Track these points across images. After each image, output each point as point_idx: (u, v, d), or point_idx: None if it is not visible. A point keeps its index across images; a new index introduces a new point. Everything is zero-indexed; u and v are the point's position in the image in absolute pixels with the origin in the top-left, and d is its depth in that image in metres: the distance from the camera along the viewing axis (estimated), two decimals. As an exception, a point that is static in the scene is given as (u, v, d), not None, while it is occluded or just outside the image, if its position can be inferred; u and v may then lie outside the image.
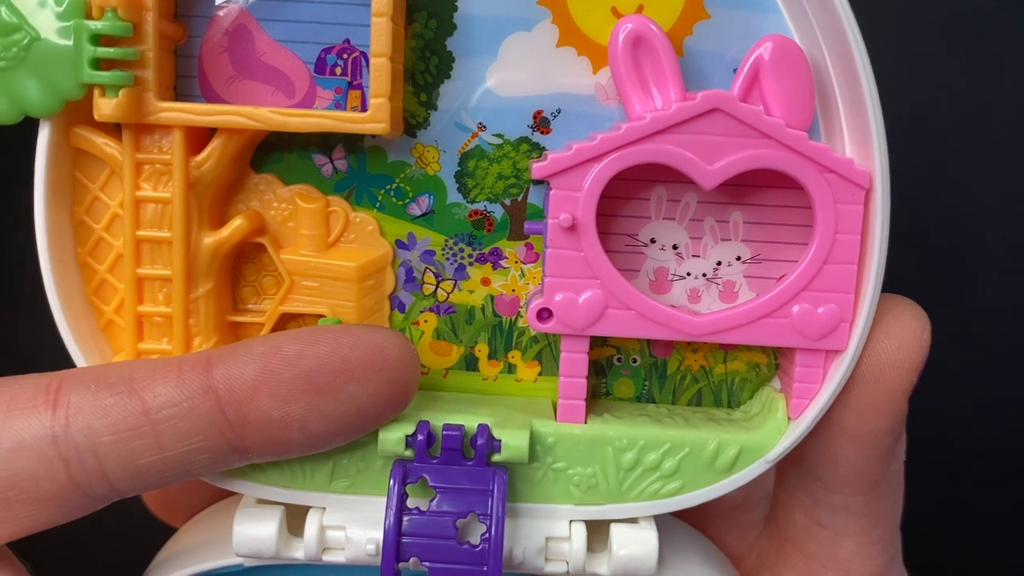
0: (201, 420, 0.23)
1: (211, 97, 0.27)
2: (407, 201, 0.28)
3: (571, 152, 0.25)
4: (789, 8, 0.26)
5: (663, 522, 0.30)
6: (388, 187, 0.28)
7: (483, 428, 0.26)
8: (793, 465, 0.30)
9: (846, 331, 0.26)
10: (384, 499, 0.26)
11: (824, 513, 0.30)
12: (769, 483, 0.35)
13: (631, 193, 0.28)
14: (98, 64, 0.24)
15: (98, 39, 0.24)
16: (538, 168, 0.25)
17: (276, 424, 0.23)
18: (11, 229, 0.48)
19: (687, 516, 0.33)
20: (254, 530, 0.26)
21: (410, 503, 0.25)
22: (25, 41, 0.24)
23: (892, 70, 0.48)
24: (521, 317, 0.29)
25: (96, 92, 0.24)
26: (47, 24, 0.24)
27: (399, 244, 0.28)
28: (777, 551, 0.32)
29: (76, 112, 0.26)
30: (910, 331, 0.26)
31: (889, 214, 0.25)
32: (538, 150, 0.27)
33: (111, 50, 0.24)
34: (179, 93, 0.27)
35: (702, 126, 0.25)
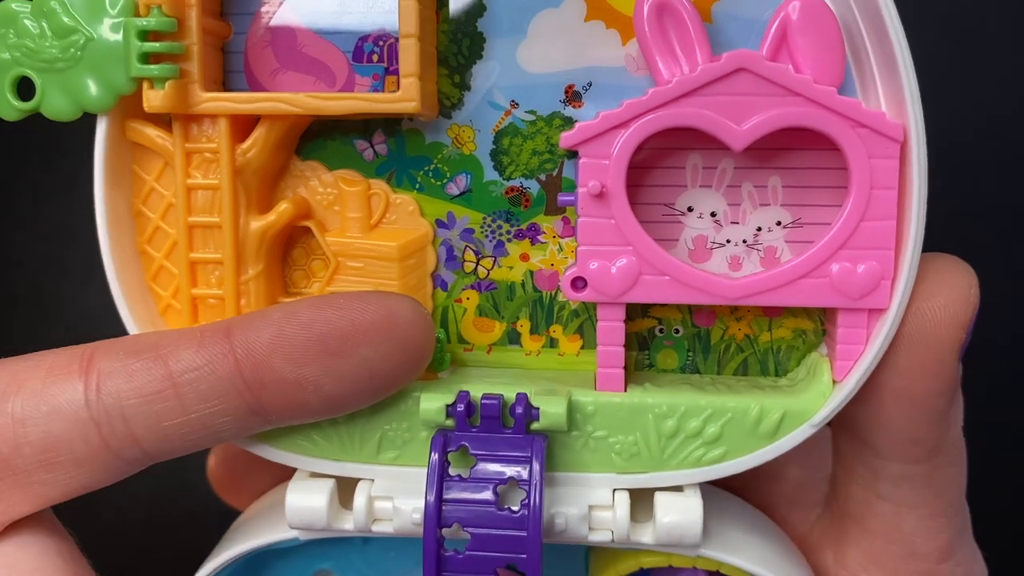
0: (221, 383, 0.24)
1: (257, 90, 0.28)
2: (445, 181, 0.29)
3: (598, 120, 0.26)
4: (817, -33, 0.26)
5: (712, 495, 0.30)
6: (426, 168, 0.29)
7: (521, 397, 0.26)
8: (848, 436, 0.29)
9: (887, 289, 0.25)
10: (429, 470, 0.27)
11: (884, 485, 0.29)
12: (830, 462, 0.34)
13: (666, 162, 0.28)
14: (146, 58, 0.26)
15: (145, 35, 0.25)
16: (566, 137, 0.26)
17: (291, 386, 0.24)
18: (9, 230, 0.49)
19: (749, 497, 0.33)
20: (307, 502, 0.27)
21: (451, 471, 0.26)
22: (81, 42, 0.26)
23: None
24: (561, 291, 0.29)
25: (145, 85, 0.26)
26: (101, 24, 0.26)
27: (439, 223, 0.29)
28: (839, 528, 0.31)
29: (131, 107, 0.27)
30: (957, 288, 0.26)
31: (927, 168, 0.25)
32: (571, 124, 0.28)
33: (157, 44, 0.25)
34: (227, 88, 0.28)
35: (728, 87, 0.25)
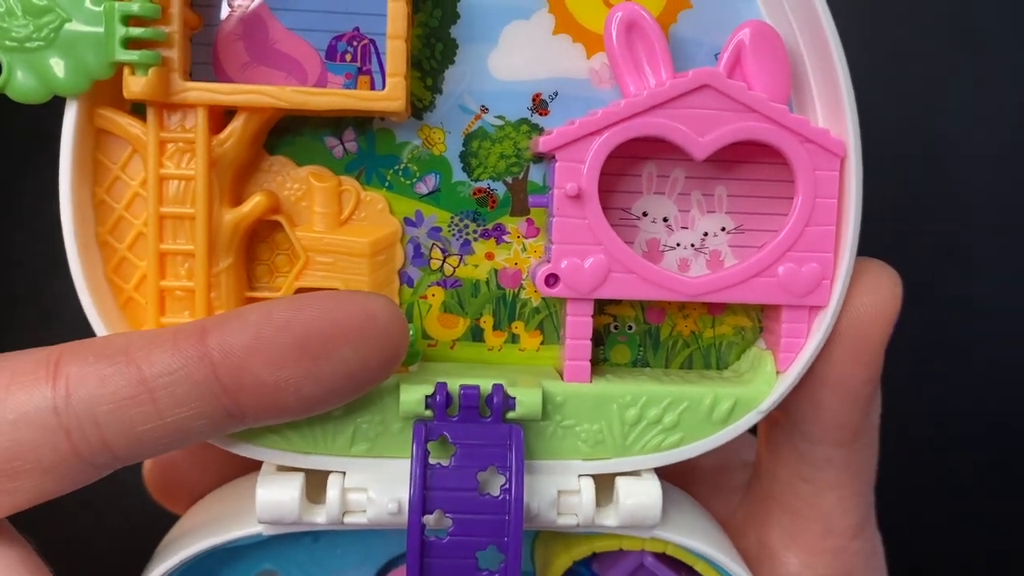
0: (197, 387, 0.23)
1: (225, 82, 0.28)
2: (414, 180, 0.30)
3: (576, 126, 0.27)
4: (767, 2, 0.29)
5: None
6: (396, 167, 0.29)
7: (498, 388, 0.27)
8: (778, 423, 0.32)
9: (827, 288, 0.28)
10: (404, 461, 0.27)
11: (807, 468, 0.32)
12: (747, 451, 0.37)
13: (624, 170, 0.30)
14: (128, 44, 0.25)
15: (128, 19, 0.25)
16: (545, 140, 0.27)
17: (270, 388, 0.24)
18: (9, 229, 0.47)
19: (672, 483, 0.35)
20: (277, 495, 0.27)
21: (431, 459, 0.27)
22: (55, 23, 0.25)
23: (891, 69, 0.50)
24: (524, 289, 0.30)
25: (126, 71, 0.25)
26: (79, 6, 0.25)
27: (407, 221, 0.30)
28: (763, 511, 0.34)
29: (98, 95, 0.27)
30: (886, 288, 0.29)
31: (862, 180, 0.28)
32: (537, 130, 0.29)
33: (142, 30, 0.25)
34: (194, 79, 0.28)
35: (693, 101, 0.27)
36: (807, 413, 0.30)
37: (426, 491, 0.26)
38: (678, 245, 0.30)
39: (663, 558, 0.31)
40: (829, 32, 0.27)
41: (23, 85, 0.25)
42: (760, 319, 0.31)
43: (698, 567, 0.31)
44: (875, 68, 0.50)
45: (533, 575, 0.33)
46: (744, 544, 0.34)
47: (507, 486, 0.26)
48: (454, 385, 0.27)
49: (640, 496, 0.28)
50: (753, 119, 0.28)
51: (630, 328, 0.31)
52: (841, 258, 0.28)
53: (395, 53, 0.27)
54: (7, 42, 0.25)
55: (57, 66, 0.25)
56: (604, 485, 0.29)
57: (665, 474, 0.35)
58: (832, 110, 0.28)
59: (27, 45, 0.25)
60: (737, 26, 0.28)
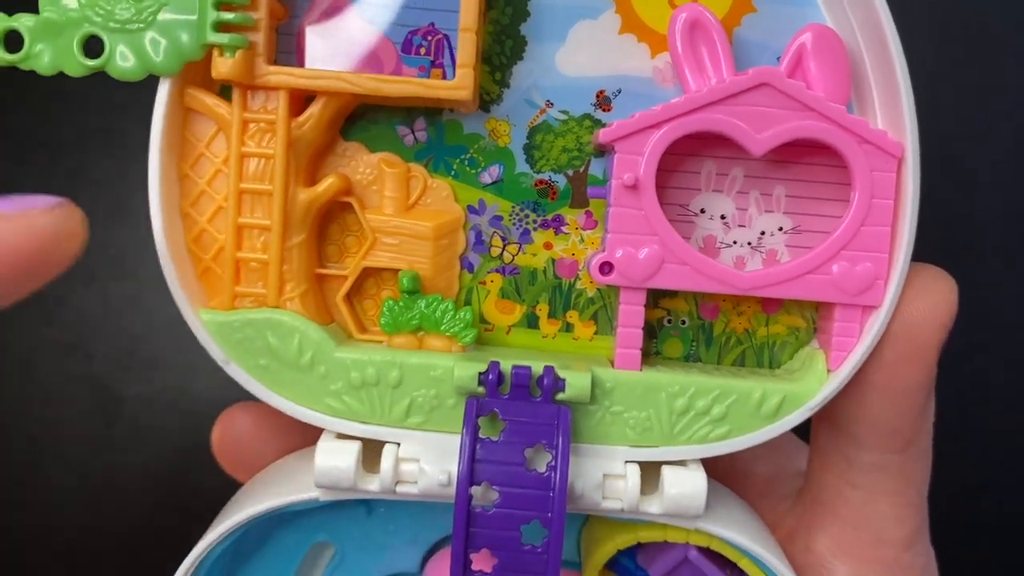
0: None
1: (307, 71, 0.30)
2: (479, 170, 0.31)
3: (634, 119, 0.28)
4: (829, 6, 0.30)
5: None
6: (463, 157, 0.31)
7: (549, 369, 0.28)
8: (828, 427, 0.32)
9: (881, 288, 0.29)
10: (456, 436, 0.28)
11: (857, 474, 0.32)
12: (800, 460, 0.37)
13: (683, 167, 0.30)
14: (219, 27, 0.27)
15: (219, 5, 0.27)
16: (605, 132, 0.28)
17: None
18: None
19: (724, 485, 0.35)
20: (334, 461, 0.28)
21: (482, 434, 0.28)
22: (154, 6, 0.27)
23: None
24: (580, 280, 0.31)
25: (215, 53, 0.27)
26: (181, -5, 0.27)
27: (470, 209, 0.31)
28: (810, 517, 0.34)
29: (189, 75, 0.29)
30: (940, 292, 0.29)
31: (919, 182, 0.28)
32: (600, 126, 0.30)
33: (231, 15, 0.27)
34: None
35: (752, 99, 0.28)
36: (858, 416, 0.30)
37: (475, 463, 0.27)
38: (735, 243, 0.31)
39: (707, 552, 0.31)
40: (890, 35, 0.28)
41: (122, 65, 0.27)
42: (815, 320, 0.31)
43: (742, 564, 0.31)
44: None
45: (578, 564, 0.33)
46: (792, 550, 0.34)
47: (553, 463, 0.27)
48: (507, 365, 0.28)
49: (685, 486, 0.29)
50: (812, 118, 0.28)
51: (683, 323, 0.31)
52: (896, 259, 0.28)
53: (465, 44, 0.28)
54: (111, 23, 0.27)
55: (154, 47, 0.27)
56: (651, 474, 0.30)
57: (718, 477, 0.35)
58: (891, 112, 0.28)
59: (128, 27, 0.27)
60: (799, 29, 0.29)
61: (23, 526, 0.51)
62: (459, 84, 0.28)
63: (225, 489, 0.34)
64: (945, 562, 0.34)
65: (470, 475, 0.27)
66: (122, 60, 0.27)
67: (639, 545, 0.32)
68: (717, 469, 0.36)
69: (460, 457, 0.27)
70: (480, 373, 0.28)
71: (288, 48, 0.30)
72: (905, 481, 0.32)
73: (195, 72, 0.28)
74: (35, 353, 0.49)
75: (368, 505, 0.33)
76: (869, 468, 0.31)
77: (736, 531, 0.30)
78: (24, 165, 0.45)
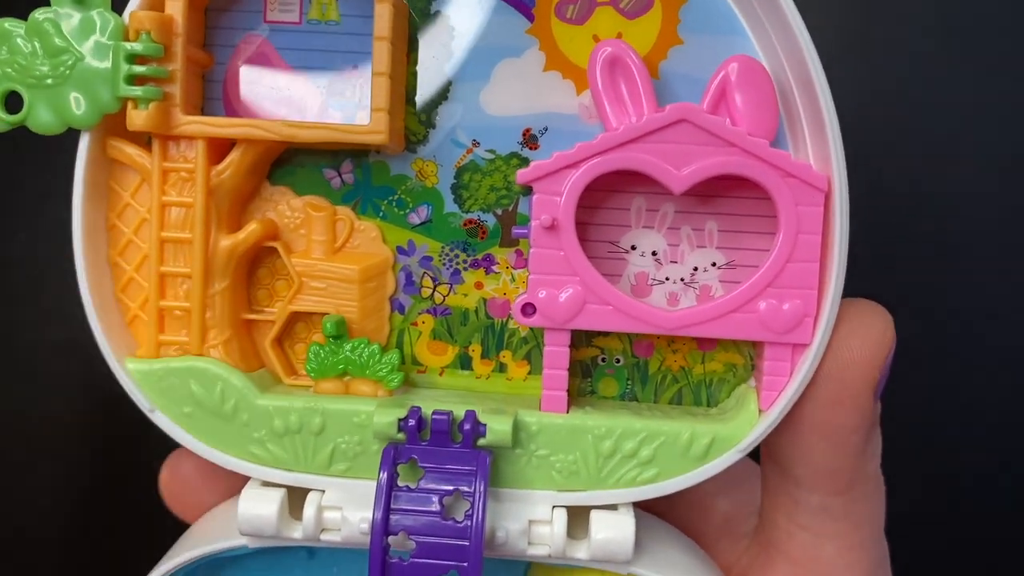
0: None
1: (233, 116, 0.30)
2: (407, 211, 0.31)
3: (551, 159, 0.28)
4: (756, 32, 0.29)
5: (645, 521, 0.31)
6: (390, 198, 0.31)
7: (470, 414, 0.28)
8: (773, 467, 0.31)
9: (810, 325, 0.28)
10: (379, 482, 0.28)
11: (804, 515, 0.31)
12: (759, 497, 0.36)
13: (613, 204, 0.30)
14: (132, 80, 0.27)
15: (133, 58, 0.27)
16: (522, 174, 0.28)
17: None
18: (12, 230, 0.50)
19: (681, 528, 0.34)
20: (257, 509, 0.28)
21: (400, 482, 0.27)
22: (71, 61, 0.27)
23: (891, 71, 0.49)
24: (512, 319, 0.31)
25: (129, 105, 0.28)
26: (91, 47, 0.27)
27: (400, 250, 0.31)
28: (764, 557, 0.33)
29: (112, 127, 0.29)
30: (874, 329, 0.28)
31: (848, 216, 0.27)
32: (526, 164, 0.30)
33: (143, 68, 0.27)
34: (206, 113, 0.30)
35: (671, 135, 0.27)
36: (796, 458, 0.30)
37: (391, 512, 0.27)
38: (667, 279, 0.30)
39: (649, 597, 0.31)
40: (812, 66, 0.27)
41: (42, 119, 0.28)
42: (752, 357, 0.30)
43: (682, 608, 0.30)
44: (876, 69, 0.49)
45: None
46: (746, 592, 0.33)
47: (470, 512, 0.27)
48: (428, 410, 0.28)
49: (613, 530, 0.28)
50: (732, 153, 0.27)
51: (618, 361, 0.31)
52: (826, 296, 0.28)
53: (380, 89, 0.28)
54: (29, 80, 0.28)
55: (72, 101, 0.28)
56: (583, 518, 0.29)
57: (679, 512, 0.34)
58: (818, 144, 0.28)
59: (46, 82, 0.28)
60: (724, 61, 0.28)
61: (22, 525, 0.52)
62: (374, 128, 0.28)
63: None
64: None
65: (385, 525, 0.26)
66: (41, 115, 0.28)
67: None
68: (679, 504, 0.35)
69: (375, 506, 0.26)
70: (400, 419, 0.28)
71: (216, 95, 0.30)
72: (851, 524, 0.31)
73: (118, 123, 0.29)
74: (34, 352, 0.50)
75: (309, 549, 0.33)
76: (815, 510, 0.31)
77: (674, 570, 0.29)
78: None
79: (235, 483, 0.34)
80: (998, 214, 0.50)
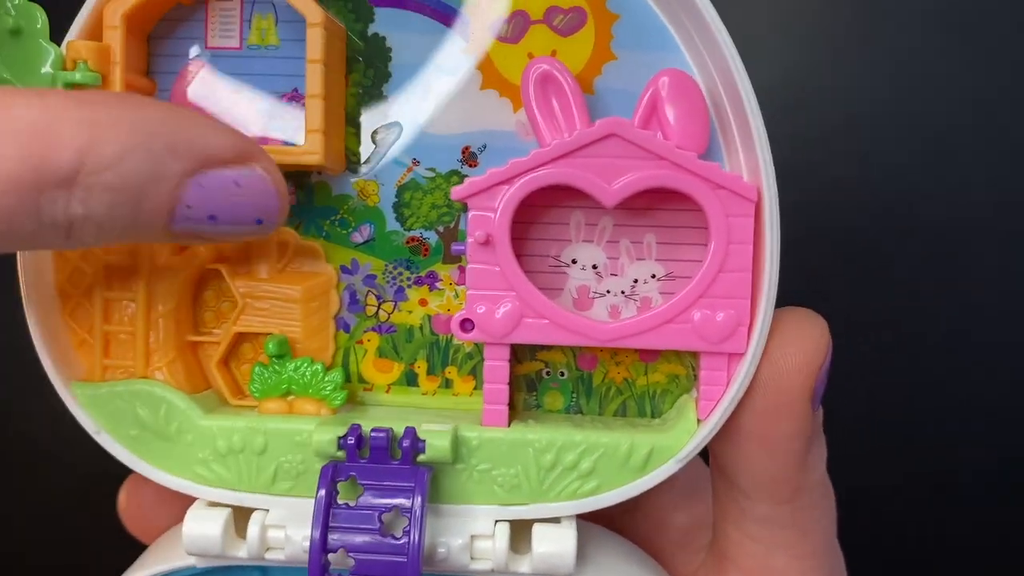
0: None
1: (177, 142, 0.31)
2: (350, 230, 0.31)
3: (484, 176, 0.28)
4: (687, 47, 0.29)
5: (597, 534, 0.31)
6: (333, 218, 0.31)
7: (409, 431, 0.28)
8: (720, 477, 0.31)
9: (744, 335, 0.28)
10: (322, 500, 0.28)
11: (752, 525, 0.31)
12: None
13: (552, 218, 0.30)
14: (70, 108, 0.28)
15: (72, 87, 0.28)
16: (456, 191, 0.28)
17: None
18: None
19: (638, 542, 0.35)
20: (202, 529, 0.29)
21: (340, 500, 0.27)
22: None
23: (888, 70, 0.49)
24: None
25: (68, 133, 0.28)
26: (33, 78, 0.28)
27: (343, 269, 0.31)
28: (717, 570, 0.33)
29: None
30: (809, 338, 0.28)
31: (779, 226, 0.28)
32: (466, 181, 0.30)
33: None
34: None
35: (601, 150, 0.28)
36: (739, 468, 0.30)
37: (329, 531, 0.27)
38: (608, 292, 0.30)
39: (598, 611, 0.31)
40: (740, 81, 0.27)
41: (-17, 147, 0.28)
42: (694, 368, 0.31)
43: (631, 620, 0.30)
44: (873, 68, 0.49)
45: None
46: (703, 605, 0.33)
47: (408, 528, 0.27)
48: (368, 427, 0.28)
49: (553, 544, 0.28)
50: (661, 166, 0.28)
51: (562, 374, 0.31)
52: (759, 305, 0.28)
53: (313, 110, 0.28)
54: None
55: (11, 130, 0.28)
56: (527, 533, 0.29)
57: (636, 526, 0.35)
58: (749, 156, 0.28)
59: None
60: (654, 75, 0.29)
61: (22, 524, 0.52)
62: (309, 149, 0.28)
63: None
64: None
65: (323, 542, 0.27)
66: (-18, 144, 0.28)
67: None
68: (635, 519, 0.35)
69: (312, 524, 0.27)
70: (339, 437, 0.28)
71: (160, 120, 0.31)
72: (800, 533, 0.31)
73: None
74: (35, 352, 0.50)
75: (262, 569, 0.33)
76: (762, 520, 0.31)
77: (620, 586, 0.29)
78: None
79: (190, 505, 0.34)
80: (993, 211, 0.50)
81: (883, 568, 0.37)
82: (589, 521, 0.32)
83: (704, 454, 0.31)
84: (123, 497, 0.36)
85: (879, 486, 0.44)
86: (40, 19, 0.28)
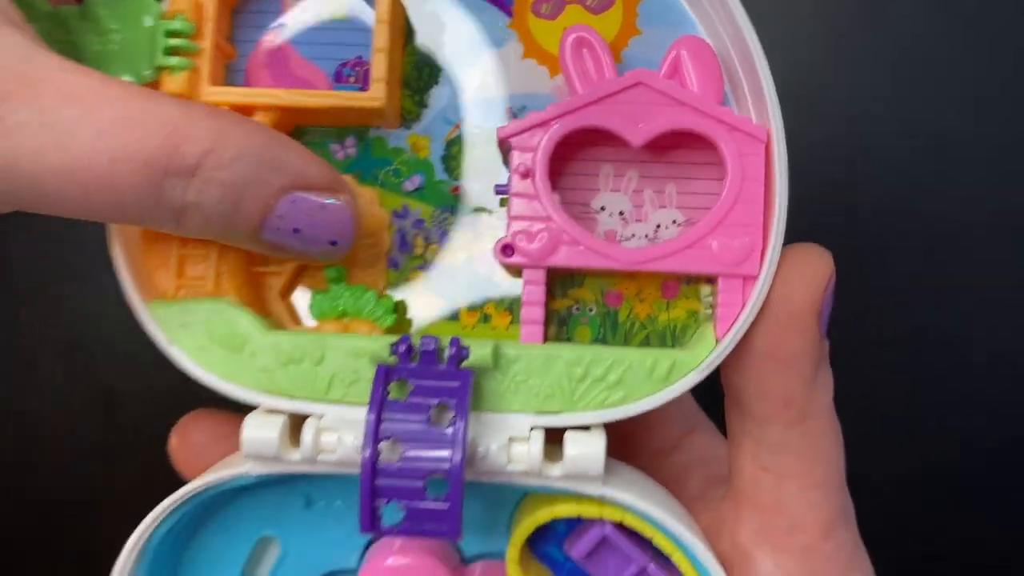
0: None
1: (252, 100, 0.35)
2: (403, 179, 0.35)
3: (526, 117, 0.32)
4: (703, 21, 0.34)
5: (621, 466, 0.34)
6: (387, 168, 0.35)
7: (454, 339, 0.31)
8: (734, 409, 0.34)
9: (757, 259, 0.31)
10: (372, 407, 0.31)
11: (765, 455, 0.33)
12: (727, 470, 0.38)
13: (583, 170, 0.34)
14: (169, 51, 0.32)
15: (170, 34, 0.32)
16: (501, 130, 0.32)
17: None
18: (12, 229, 0.52)
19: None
20: (260, 432, 0.31)
21: (391, 397, 0.30)
22: (118, 39, 0.32)
23: (890, 67, 0.51)
24: (495, 275, 0.34)
25: (164, 74, 0.32)
26: (135, 27, 0.32)
27: (396, 214, 0.35)
28: (735, 509, 0.35)
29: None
30: (815, 263, 0.31)
31: (787, 163, 0.31)
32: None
33: (179, 41, 0.32)
34: (228, 97, 0.35)
35: (629, 96, 0.32)
36: (752, 390, 0.32)
37: (381, 421, 0.29)
38: (633, 236, 0.34)
39: (624, 529, 0.33)
40: (752, 44, 0.31)
41: (88, 87, 0.32)
42: (711, 305, 0.34)
43: (656, 540, 0.32)
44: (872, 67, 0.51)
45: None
46: (720, 546, 0.35)
47: (454, 419, 0.29)
48: (416, 338, 0.31)
49: (583, 446, 0.31)
50: (683, 111, 0.32)
51: (591, 310, 0.34)
52: (771, 233, 0.31)
53: (378, 63, 0.32)
54: (83, 55, 0.32)
55: (119, 71, 0.32)
56: (558, 448, 0.31)
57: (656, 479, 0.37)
58: (758, 105, 0.32)
59: (95, 57, 0.32)
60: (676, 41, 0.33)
61: (22, 524, 0.52)
62: (372, 95, 0.32)
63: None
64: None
65: (376, 430, 0.29)
66: (88, 85, 0.32)
67: (564, 535, 0.34)
68: (658, 479, 0.37)
69: (368, 411, 0.29)
70: (391, 344, 0.31)
71: (238, 83, 0.35)
72: (811, 460, 0.33)
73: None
74: (36, 352, 0.50)
75: (307, 497, 0.35)
76: (775, 447, 0.33)
77: (643, 499, 0.31)
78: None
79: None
80: (997, 206, 0.52)
81: (883, 568, 0.39)
82: None
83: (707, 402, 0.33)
84: (174, 439, 0.38)
85: (878, 478, 0.45)
86: (145, -22, 0.32)
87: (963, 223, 0.52)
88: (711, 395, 0.35)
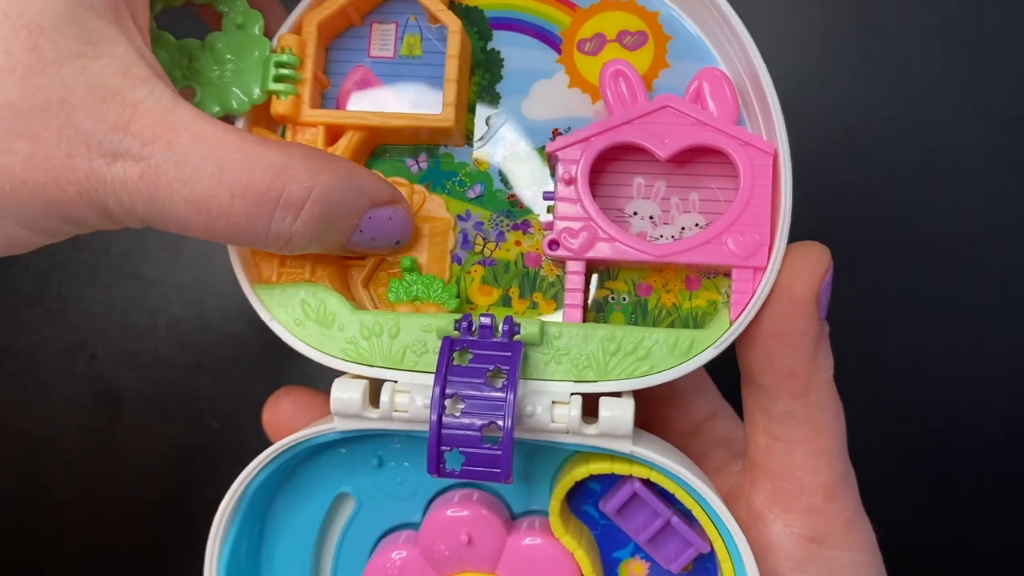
0: None
1: (342, 122, 0.41)
2: (466, 188, 0.41)
3: (571, 135, 0.38)
4: (720, 55, 0.40)
5: (649, 435, 0.39)
6: (454, 179, 0.41)
7: (508, 318, 0.37)
8: (747, 385, 0.39)
9: (765, 253, 0.37)
10: (438, 373, 0.37)
11: (775, 425, 0.38)
12: (741, 451, 0.43)
13: (619, 181, 0.40)
14: (278, 79, 0.39)
15: (279, 65, 0.39)
16: (551, 145, 0.39)
17: None
18: None
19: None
20: (346, 394, 0.37)
21: (454, 363, 0.36)
22: (232, 68, 0.39)
23: (889, 73, 0.54)
24: (542, 268, 0.40)
25: (273, 98, 0.39)
26: (248, 58, 0.39)
27: (459, 217, 0.41)
28: (750, 477, 0.40)
29: (256, 119, 0.40)
30: (813, 255, 0.37)
31: (791, 172, 0.37)
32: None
33: (286, 71, 0.39)
34: (322, 119, 0.41)
35: (657, 117, 0.38)
36: (761, 365, 0.38)
37: (446, 380, 0.35)
38: (661, 237, 0.40)
39: (651, 486, 0.38)
40: (762, 75, 0.37)
41: (209, 108, 0.39)
42: (728, 295, 0.39)
43: (679, 495, 0.38)
44: (873, 67, 0.54)
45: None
46: (737, 511, 0.40)
47: (506, 381, 0.35)
48: (476, 316, 0.37)
49: (615, 409, 0.36)
50: (703, 130, 0.38)
51: (624, 299, 0.40)
52: (777, 231, 0.37)
53: (449, 89, 0.39)
54: (202, 80, 0.39)
55: (232, 95, 0.39)
56: (594, 414, 0.37)
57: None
58: (767, 122, 0.38)
59: (214, 82, 0.39)
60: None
61: (24, 524, 0.52)
62: (443, 117, 0.39)
63: (226, 488, 0.38)
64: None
65: (443, 385, 0.35)
66: (208, 105, 0.39)
67: (599, 495, 0.39)
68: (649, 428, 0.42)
69: (436, 375, 0.35)
70: (456, 320, 0.37)
71: (329, 107, 0.42)
72: (814, 429, 0.38)
73: (260, 115, 0.40)
74: (38, 352, 0.50)
75: (379, 459, 0.41)
76: (782, 418, 0.38)
77: (667, 458, 0.37)
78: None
79: (325, 415, 0.43)
80: (997, 214, 0.54)
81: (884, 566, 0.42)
82: None
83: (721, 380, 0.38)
84: (266, 414, 0.44)
85: (877, 488, 0.46)
86: (258, 19, 0.39)
87: (963, 224, 0.54)
88: (733, 387, 0.41)
